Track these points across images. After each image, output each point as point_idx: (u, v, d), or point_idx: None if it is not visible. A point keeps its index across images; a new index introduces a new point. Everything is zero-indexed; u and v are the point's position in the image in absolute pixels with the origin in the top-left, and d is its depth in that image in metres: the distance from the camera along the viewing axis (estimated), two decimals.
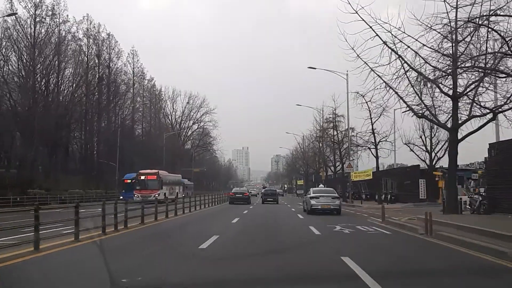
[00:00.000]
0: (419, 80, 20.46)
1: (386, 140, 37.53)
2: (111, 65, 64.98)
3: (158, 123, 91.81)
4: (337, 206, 24.08)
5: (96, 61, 61.94)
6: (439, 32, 18.45)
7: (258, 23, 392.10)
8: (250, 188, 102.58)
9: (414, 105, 21.94)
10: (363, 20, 19.33)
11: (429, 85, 20.57)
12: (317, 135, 53.96)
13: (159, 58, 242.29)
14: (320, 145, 53.42)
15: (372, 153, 37.44)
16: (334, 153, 48.46)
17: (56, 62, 50.24)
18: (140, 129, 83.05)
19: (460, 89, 19.93)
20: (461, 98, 20.11)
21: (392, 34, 19.31)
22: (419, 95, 21.36)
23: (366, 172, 40.06)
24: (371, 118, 37.39)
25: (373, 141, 37.22)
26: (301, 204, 35.75)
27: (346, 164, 39.65)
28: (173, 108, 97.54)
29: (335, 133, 46.21)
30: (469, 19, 16.47)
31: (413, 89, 21.13)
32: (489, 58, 17.49)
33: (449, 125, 21.07)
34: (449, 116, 21.28)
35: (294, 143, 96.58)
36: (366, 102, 37.11)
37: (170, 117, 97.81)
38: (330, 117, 48.01)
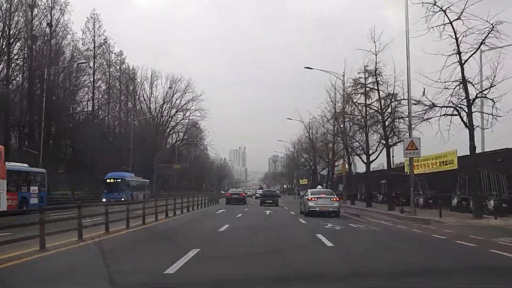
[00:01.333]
0: None
1: (485, 97, 19.13)
2: (52, 22, 46.50)
3: (133, 110, 73.26)
4: (336, 208, 22.16)
5: (29, 14, 43.50)
6: None
7: (254, 19, 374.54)
8: (246, 189, 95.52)
9: None
10: None
11: None
12: (337, 110, 35.46)
13: (152, 52, 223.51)
14: (341, 125, 34.86)
15: (464, 121, 18.96)
16: (366, 132, 29.97)
17: None
18: (105, 115, 64.38)
19: None
20: None
21: None
22: None
23: (445, 157, 21.80)
24: (459, 54, 19.30)
25: (464, 97, 18.88)
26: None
27: (406, 144, 21.00)
28: (151, 93, 79.03)
29: (375, 98, 27.76)
30: None
31: None
32: None
33: None
34: None
35: (298, 130, 76.46)
36: (451, 22, 19.42)
37: (147, 103, 79.24)
38: (359, 77, 29.51)
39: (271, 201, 36.71)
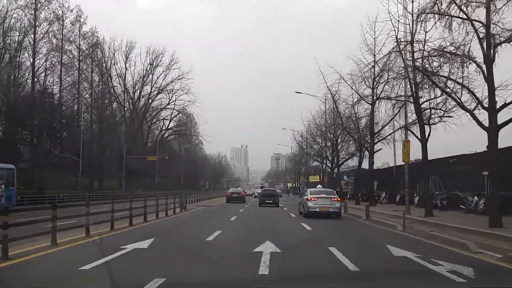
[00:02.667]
0: None
1: None
2: None
3: (100, 86, 55.88)
4: (337, 209, 20.04)
5: None
6: None
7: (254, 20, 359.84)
8: (246, 188, 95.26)
9: None
10: None
11: None
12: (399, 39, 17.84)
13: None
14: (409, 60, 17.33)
15: None
16: (490, 61, 12.41)
17: None
18: (55, 89, 47.13)
19: None
20: None
21: None
22: None
23: None
24: None
25: None
26: None
27: None
28: (126, 68, 61.66)
29: None
30: None
31: None
32: None
33: None
34: None
35: (312, 104, 54.50)
36: None
37: (121, 81, 61.85)
38: None
39: (271, 201, 32.20)
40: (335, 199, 20.44)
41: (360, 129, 29.32)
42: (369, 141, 27.99)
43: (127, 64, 60.92)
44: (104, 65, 56.32)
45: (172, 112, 69.16)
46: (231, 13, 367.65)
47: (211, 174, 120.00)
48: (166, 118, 70.91)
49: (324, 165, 47.12)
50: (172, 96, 66.19)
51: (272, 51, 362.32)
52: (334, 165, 36.85)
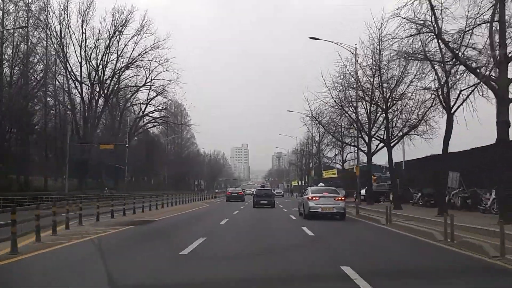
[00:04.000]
0: None
1: None
2: None
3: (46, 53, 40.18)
4: (341, 209, 17.74)
5: None
6: None
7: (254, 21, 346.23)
8: (246, 188, 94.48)
9: None
10: None
11: None
12: None
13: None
14: None
15: None
16: None
17: None
18: None
19: None
20: None
21: None
22: None
23: None
24: None
25: None
26: None
27: None
28: (83, 32, 45.80)
29: None
30: None
31: None
32: None
33: None
34: None
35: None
36: None
37: (78, 50, 46.02)
38: None
39: (266, 201, 29.48)
40: (339, 198, 17.90)
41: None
42: (490, 73, 12.25)
43: (86, 28, 45.23)
44: (50, 21, 40.71)
45: (148, 93, 53.47)
46: (230, 12, 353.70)
47: (207, 172, 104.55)
48: (143, 102, 55.34)
49: (347, 151, 31.59)
50: (148, 75, 50.73)
51: (271, 49, 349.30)
52: (385, 144, 20.91)
